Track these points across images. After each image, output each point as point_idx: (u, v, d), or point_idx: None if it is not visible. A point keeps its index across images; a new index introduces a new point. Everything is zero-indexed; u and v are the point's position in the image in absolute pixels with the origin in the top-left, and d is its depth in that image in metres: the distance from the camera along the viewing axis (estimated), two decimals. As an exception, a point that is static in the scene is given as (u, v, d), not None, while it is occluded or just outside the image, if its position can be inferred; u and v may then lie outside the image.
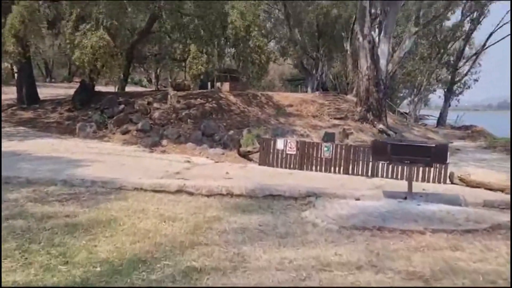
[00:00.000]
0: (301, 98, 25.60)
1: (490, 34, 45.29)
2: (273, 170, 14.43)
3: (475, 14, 44.51)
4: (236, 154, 16.76)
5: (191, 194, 7.80)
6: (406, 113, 46.73)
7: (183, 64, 17.59)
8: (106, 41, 15.21)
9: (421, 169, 13.64)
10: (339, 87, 47.85)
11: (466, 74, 48.80)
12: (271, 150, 15.22)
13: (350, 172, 14.37)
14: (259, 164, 15.37)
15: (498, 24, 44.28)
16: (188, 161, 14.88)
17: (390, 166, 13.98)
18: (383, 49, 23.91)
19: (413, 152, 7.21)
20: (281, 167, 15.01)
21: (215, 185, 7.84)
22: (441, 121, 47.80)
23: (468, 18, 44.49)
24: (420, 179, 13.60)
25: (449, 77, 48.73)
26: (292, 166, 14.93)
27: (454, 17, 43.66)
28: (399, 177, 13.79)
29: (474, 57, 48.10)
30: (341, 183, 12.30)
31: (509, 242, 5.23)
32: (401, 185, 12.35)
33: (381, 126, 23.20)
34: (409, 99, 55.76)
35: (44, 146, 15.56)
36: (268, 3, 40.40)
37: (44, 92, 28.26)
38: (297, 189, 7.95)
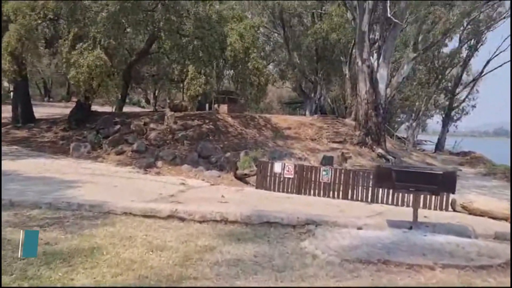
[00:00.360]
0: (300, 121, 25.36)
1: (488, 61, 45.59)
2: (270, 194, 14.00)
3: (472, 41, 44.88)
4: (233, 176, 16.35)
5: (183, 219, 7.36)
6: (404, 138, 46.60)
7: (181, 85, 17.31)
8: (103, 60, 14.97)
9: (423, 196, 13.24)
10: (337, 111, 47.80)
11: (464, 100, 48.94)
12: (269, 173, 14.82)
13: (349, 197, 13.96)
14: (256, 188, 14.95)
15: (495, 52, 44.66)
16: (183, 183, 14.46)
17: (391, 192, 13.59)
18: (382, 73, 23.80)
19: (419, 179, 6.83)
20: (279, 191, 14.59)
21: (208, 211, 7.41)
22: (439, 146, 47.61)
23: (465, 45, 44.82)
24: (421, 205, 13.18)
25: (447, 102, 48.84)
26: (290, 190, 14.51)
27: (452, 44, 43.88)
28: (399, 203, 13.38)
29: (472, 83, 48.28)
30: (340, 209, 11.87)
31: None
32: (403, 212, 11.92)
33: (380, 150, 22.88)
34: (407, 124, 55.79)
35: (35, 166, 15.12)
36: (268, 26, 40.74)
37: (41, 111, 27.97)
38: (296, 215, 7.52)
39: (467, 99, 48.98)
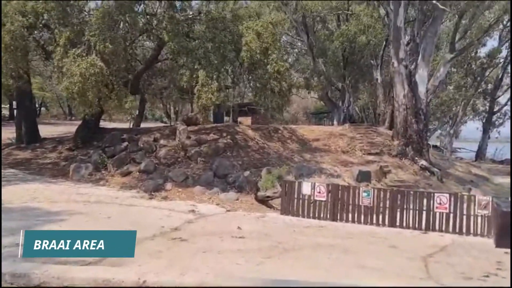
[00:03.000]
0: (329, 131, 22.72)
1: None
2: (299, 222, 11.41)
3: (513, 40, 41.24)
4: (254, 199, 13.85)
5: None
6: (436, 146, 42.98)
7: (190, 94, 15.06)
8: (98, 67, 12.85)
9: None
10: (366, 120, 44.77)
11: (506, 104, 45.07)
12: (296, 195, 12.26)
13: (397, 223, 11.22)
14: (281, 213, 12.39)
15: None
16: (193, 210, 12.09)
17: (451, 216, 10.79)
18: (422, 74, 20.97)
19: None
20: (309, 216, 11.98)
21: (197, 281, 4.92)
22: (480, 154, 43.91)
23: (506, 44, 41.22)
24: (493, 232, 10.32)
25: (487, 107, 45.15)
26: (322, 215, 11.88)
27: (489, 44, 40.45)
28: (463, 230, 10.57)
29: (514, 85, 44.46)
30: (390, 243, 9.17)
31: None
32: (476, 245, 9.12)
33: (423, 162, 19.94)
34: (440, 131, 52.05)
35: (24, 193, 13.06)
36: (290, 33, 38.41)
37: (58, 130, 26.37)
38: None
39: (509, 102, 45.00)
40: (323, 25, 36.94)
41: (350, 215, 11.64)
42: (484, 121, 45.01)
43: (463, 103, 43.00)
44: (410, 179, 18.42)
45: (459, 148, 52.82)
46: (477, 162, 38.52)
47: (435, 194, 11.15)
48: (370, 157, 19.53)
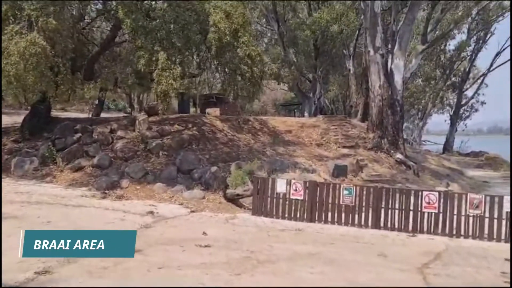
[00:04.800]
0: (301, 122, 21.50)
1: (497, 54, 42.12)
2: (273, 225, 10.08)
3: (481, 33, 41.40)
4: (222, 197, 12.44)
5: None
6: (405, 139, 42.70)
7: (150, 79, 13.37)
8: (41, 47, 11.02)
9: (488, 222, 9.42)
10: (336, 112, 44.00)
11: (473, 97, 45.40)
12: (270, 194, 10.94)
13: (382, 224, 10.10)
14: (253, 213, 11.05)
15: (504, 44, 41.27)
16: (152, 212, 10.56)
17: (441, 216, 9.75)
18: (398, 64, 20.05)
19: None
20: (284, 217, 10.69)
21: None
22: (447, 147, 44.01)
23: (474, 37, 41.30)
24: (486, 235, 9.37)
25: (455, 99, 45.28)
26: (299, 216, 10.61)
27: (458, 36, 40.27)
28: (454, 232, 9.55)
29: (481, 78, 44.79)
30: (378, 250, 7.98)
31: None
32: (475, 251, 8.09)
33: (399, 155, 19.08)
34: (406, 124, 51.97)
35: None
36: (260, 22, 36.99)
37: (10, 120, 23.84)
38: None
39: (475, 95, 45.35)
40: (294, 14, 35.68)
41: (329, 216, 10.44)
42: (451, 113, 45.09)
43: (432, 95, 42.91)
44: (387, 173, 17.50)
45: (424, 141, 53.11)
46: (445, 155, 38.48)
47: (423, 192, 10.09)
48: (345, 150, 18.46)
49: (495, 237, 9.25)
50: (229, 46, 13.16)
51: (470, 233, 9.43)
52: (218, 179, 13.29)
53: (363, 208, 10.24)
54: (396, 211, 10.00)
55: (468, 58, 42.95)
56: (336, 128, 20.66)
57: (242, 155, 15.73)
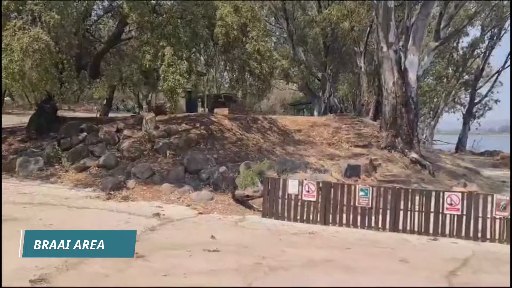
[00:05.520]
0: (312, 121, 20.96)
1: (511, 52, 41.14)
2: (285, 228, 9.57)
3: (495, 30, 40.42)
4: (230, 199, 11.96)
5: None
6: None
7: (155, 76, 12.89)
8: (45, 42, 10.63)
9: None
10: (345, 111, 43.34)
11: (487, 95, 44.39)
12: (281, 195, 10.43)
13: (400, 227, 9.53)
14: (263, 216, 10.54)
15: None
16: (158, 214, 10.10)
17: (465, 219, 9.16)
18: (412, 60, 19.39)
19: None
20: (296, 220, 10.17)
21: None
22: (460, 146, 43.06)
23: (487, 34, 40.34)
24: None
25: (468, 98, 44.35)
26: (312, 219, 10.07)
27: (472, 33, 39.49)
28: (479, 234, 8.97)
29: (495, 76, 43.77)
30: (399, 256, 7.42)
31: None
32: (501, 254, 7.52)
33: (413, 155, 18.42)
34: (419, 123, 51.10)
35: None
36: (269, 21, 36.44)
37: (19, 121, 23.57)
38: None
39: (490, 93, 44.33)
40: (303, 12, 35.12)
41: (344, 218, 9.90)
42: (464, 112, 44.16)
43: (444, 94, 42.03)
44: (401, 173, 16.91)
45: (436, 140, 52.18)
46: (458, 154, 37.65)
47: (445, 193, 9.50)
48: (358, 150, 17.91)
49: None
50: (237, 41, 12.68)
51: (497, 237, 8.83)
52: (226, 179, 12.82)
53: (380, 210, 9.68)
54: (416, 213, 9.43)
55: (481, 55, 42.00)
56: (347, 127, 20.10)
57: (251, 154, 15.25)
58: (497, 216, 8.85)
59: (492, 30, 39.98)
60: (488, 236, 8.90)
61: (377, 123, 21.98)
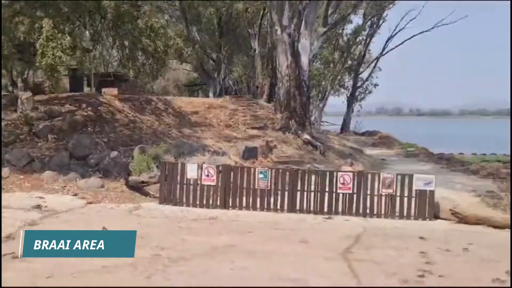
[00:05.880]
0: (208, 103, 20.63)
1: (388, 39, 45.09)
2: (184, 214, 9.18)
3: (375, 19, 43.80)
4: (124, 186, 11.16)
5: None
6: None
7: (32, 50, 11.33)
8: None
9: (399, 201, 9.55)
10: (240, 93, 43.77)
11: (367, 79, 48.19)
12: (179, 180, 9.99)
13: (297, 208, 9.76)
14: (160, 202, 10.02)
15: (394, 29, 44.27)
16: (39, 206, 8.99)
17: (355, 197, 9.68)
18: (305, 43, 20.01)
19: None
20: (195, 205, 9.84)
21: None
22: (345, 127, 46.41)
23: (369, 22, 43.58)
24: (397, 213, 9.52)
25: (351, 82, 47.72)
26: (212, 203, 9.84)
27: (355, 21, 42.11)
28: (367, 211, 9.56)
29: (374, 62, 47.57)
30: (299, 236, 7.53)
31: None
32: (389, 230, 8.05)
33: (306, 136, 19.17)
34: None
35: None
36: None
37: None
38: None
39: (370, 78, 48.23)
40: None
41: (244, 201, 9.83)
42: (348, 95, 47.46)
43: (331, 78, 44.58)
44: (295, 154, 17.46)
45: (323, 122, 55.49)
46: (343, 135, 40.43)
47: (338, 173, 9.93)
48: (254, 132, 18.09)
49: (405, 215, 9.40)
50: (128, 15, 11.67)
51: (383, 212, 9.49)
52: (118, 165, 11.94)
53: (279, 192, 9.79)
54: (312, 193, 9.71)
55: (363, 42, 45.29)
56: (244, 109, 20.19)
57: (145, 138, 14.44)
58: (383, 193, 9.49)
59: (372, 18, 43.28)
60: (375, 212, 9.52)
61: (272, 105, 22.46)
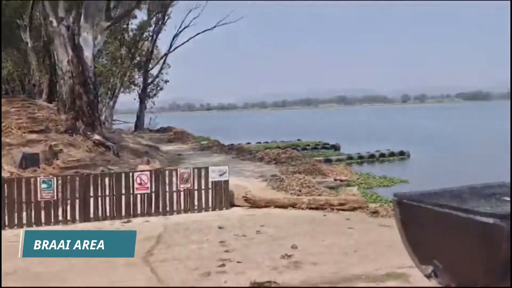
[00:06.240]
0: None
1: (174, 36, 45.90)
2: None
3: (159, 15, 43.97)
4: None
5: None
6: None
7: None
8: None
9: (197, 194, 9.73)
10: (12, 92, 38.19)
11: (157, 76, 48.16)
12: None
13: (92, 216, 8.95)
14: None
15: (180, 26, 45.35)
16: None
17: (154, 196, 9.41)
18: (86, 37, 18.49)
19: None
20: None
21: None
22: (138, 124, 45.55)
23: (154, 18, 43.52)
24: (196, 206, 9.70)
25: (142, 78, 46.94)
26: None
27: (140, 16, 41.50)
28: (167, 209, 9.45)
29: (163, 58, 47.85)
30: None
31: None
32: (188, 224, 8.10)
33: (96, 137, 17.87)
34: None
35: None
36: None
37: None
38: None
39: (160, 74, 48.34)
40: None
41: (25, 217, 8.44)
42: (140, 92, 46.59)
43: (120, 74, 42.92)
44: (86, 157, 16.08)
45: (115, 120, 53.38)
46: (137, 133, 39.63)
47: (134, 173, 9.48)
48: (33, 136, 15.84)
49: (204, 207, 9.65)
50: None
51: (182, 207, 9.52)
52: None
53: (69, 201, 8.77)
54: (107, 198, 9.03)
55: (150, 38, 44.96)
56: (18, 111, 17.52)
57: None
58: (182, 189, 9.51)
59: (157, 15, 43.32)
60: (175, 208, 9.48)
61: (53, 105, 20.19)
